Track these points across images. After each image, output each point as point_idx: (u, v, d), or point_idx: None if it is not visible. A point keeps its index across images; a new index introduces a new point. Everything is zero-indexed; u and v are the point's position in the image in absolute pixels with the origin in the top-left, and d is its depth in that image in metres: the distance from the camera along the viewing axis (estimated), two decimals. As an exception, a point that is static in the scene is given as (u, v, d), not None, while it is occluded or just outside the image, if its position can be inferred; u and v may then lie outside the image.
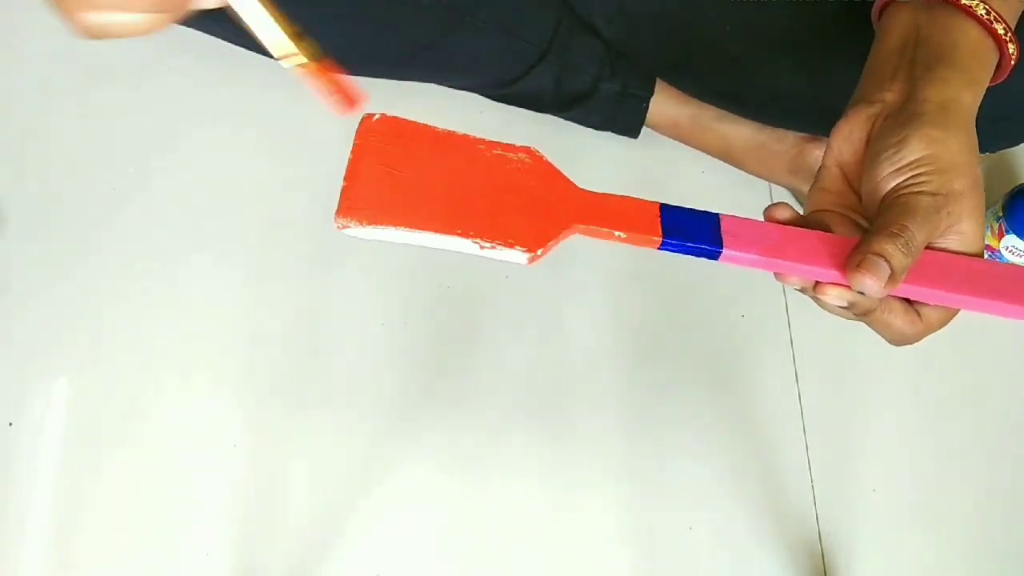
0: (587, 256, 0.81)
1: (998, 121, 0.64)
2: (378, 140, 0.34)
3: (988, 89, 0.42)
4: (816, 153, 0.80)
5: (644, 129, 0.84)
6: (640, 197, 0.36)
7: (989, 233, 0.83)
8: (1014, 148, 0.93)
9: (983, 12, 0.40)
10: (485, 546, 0.71)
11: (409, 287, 0.79)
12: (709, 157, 0.85)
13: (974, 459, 0.78)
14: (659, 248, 0.35)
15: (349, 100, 0.37)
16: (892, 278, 0.36)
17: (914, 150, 0.37)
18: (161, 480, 0.70)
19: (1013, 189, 0.81)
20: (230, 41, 0.76)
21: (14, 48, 0.85)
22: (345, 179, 0.33)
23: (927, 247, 0.38)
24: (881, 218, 0.37)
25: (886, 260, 0.35)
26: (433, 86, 0.83)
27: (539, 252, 0.33)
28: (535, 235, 0.33)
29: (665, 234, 0.35)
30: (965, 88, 0.39)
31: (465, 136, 0.35)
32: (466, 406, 0.75)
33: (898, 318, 0.38)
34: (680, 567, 0.71)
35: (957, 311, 0.39)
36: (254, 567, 0.68)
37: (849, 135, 0.41)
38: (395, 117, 0.35)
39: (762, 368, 0.79)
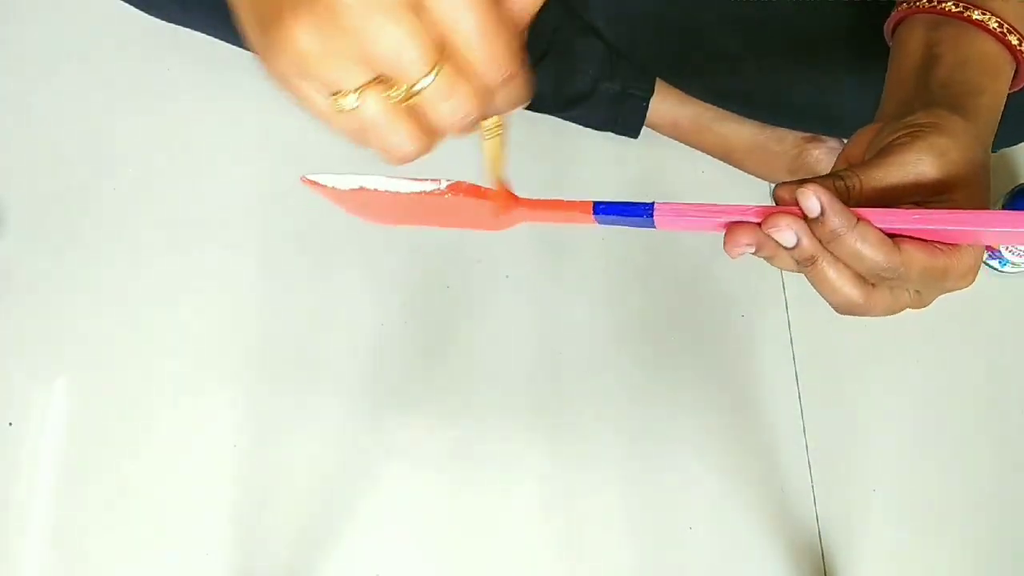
0: (587, 257, 0.81)
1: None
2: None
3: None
4: (816, 153, 0.80)
5: (644, 129, 0.84)
6: (634, 199, 0.36)
7: (989, 233, 0.83)
8: (1014, 148, 0.93)
9: (995, 25, 0.40)
10: (485, 545, 0.71)
11: (409, 287, 0.79)
12: (709, 157, 0.85)
13: (975, 458, 0.78)
14: (593, 215, 0.36)
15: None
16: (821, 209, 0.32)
17: (921, 117, 0.37)
18: (161, 480, 0.70)
19: (1013, 189, 0.81)
20: (230, 42, 0.76)
21: (14, 48, 0.85)
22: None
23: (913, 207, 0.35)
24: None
25: (814, 193, 0.32)
26: (433, 86, 0.83)
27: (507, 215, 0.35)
28: (493, 215, 0.35)
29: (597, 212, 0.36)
30: (980, 106, 0.39)
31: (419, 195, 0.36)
32: (466, 406, 0.75)
33: (870, 247, 0.33)
34: (680, 567, 0.72)
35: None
36: (254, 567, 0.68)
37: (863, 141, 0.40)
38: (337, 191, 0.34)
39: (762, 368, 0.79)
